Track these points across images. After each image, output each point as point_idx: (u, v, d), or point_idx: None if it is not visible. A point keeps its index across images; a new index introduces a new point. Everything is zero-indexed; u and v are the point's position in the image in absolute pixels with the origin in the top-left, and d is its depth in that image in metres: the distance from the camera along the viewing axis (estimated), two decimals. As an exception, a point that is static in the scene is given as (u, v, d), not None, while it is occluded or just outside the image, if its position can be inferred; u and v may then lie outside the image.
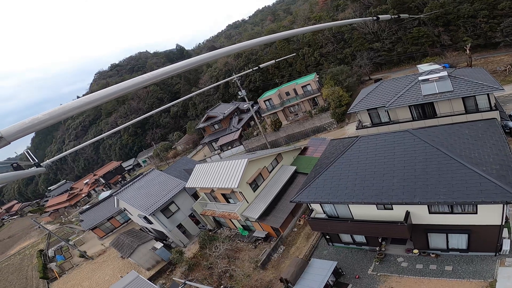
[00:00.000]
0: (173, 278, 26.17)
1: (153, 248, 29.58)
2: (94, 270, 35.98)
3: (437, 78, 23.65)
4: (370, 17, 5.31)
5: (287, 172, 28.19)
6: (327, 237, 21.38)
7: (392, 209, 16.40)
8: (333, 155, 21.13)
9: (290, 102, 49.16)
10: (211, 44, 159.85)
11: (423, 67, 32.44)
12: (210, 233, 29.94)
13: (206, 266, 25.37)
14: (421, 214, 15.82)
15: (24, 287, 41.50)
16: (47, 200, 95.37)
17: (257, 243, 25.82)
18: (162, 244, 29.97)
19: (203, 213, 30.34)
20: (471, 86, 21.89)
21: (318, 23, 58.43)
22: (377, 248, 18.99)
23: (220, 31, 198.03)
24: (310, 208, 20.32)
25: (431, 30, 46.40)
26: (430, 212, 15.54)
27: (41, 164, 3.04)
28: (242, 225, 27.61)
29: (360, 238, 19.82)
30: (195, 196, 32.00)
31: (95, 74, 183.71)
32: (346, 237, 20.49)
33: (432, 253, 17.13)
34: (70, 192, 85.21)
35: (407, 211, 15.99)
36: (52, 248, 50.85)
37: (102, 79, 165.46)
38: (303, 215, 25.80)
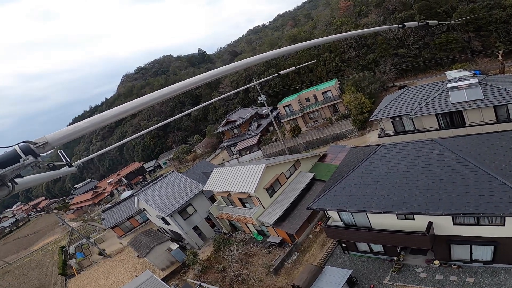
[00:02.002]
0: (188, 280, 26.44)
1: (169, 249, 30.04)
2: (111, 268, 36.70)
3: (467, 85, 22.60)
4: (395, 25, 5.22)
5: (305, 179, 27.90)
6: (343, 245, 21.05)
7: (413, 219, 15.98)
8: (353, 163, 20.73)
9: (310, 108, 48.61)
10: (232, 49, 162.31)
11: (451, 73, 31.16)
12: (225, 236, 30.09)
13: (219, 269, 25.52)
14: (444, 225, 15.27)
15: (42, 284, 42.46)
16: (73, 198, 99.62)
17: (271, 249, 25.71)
18: (178, 245, 30.41)
19: (219, 217, 30.59)
20: (503, 94, 20.73)
21: (340, 29, 57.73)
22: (395, 258, 18.49)
23: (241, 35, 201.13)
24: (327, 215, 20.05)
25: (460, 36, 44.50)
26: (454, 223, 14.99)
27: (73, 164, 3.24)
28: (257, 230, 27.60)
29: (377, 247, 19.35)
30: (212, 199, 32.33)
31: (122, 77, 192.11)
32: (363, 246, 20.06)
33: (454, 264, 16.46)
34: (95, 190, 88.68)
35: (429, 221, 15.49)
36: (73, 245, 52.34)
37: (129, 81, 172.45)
38: (319, 222, 25.40)
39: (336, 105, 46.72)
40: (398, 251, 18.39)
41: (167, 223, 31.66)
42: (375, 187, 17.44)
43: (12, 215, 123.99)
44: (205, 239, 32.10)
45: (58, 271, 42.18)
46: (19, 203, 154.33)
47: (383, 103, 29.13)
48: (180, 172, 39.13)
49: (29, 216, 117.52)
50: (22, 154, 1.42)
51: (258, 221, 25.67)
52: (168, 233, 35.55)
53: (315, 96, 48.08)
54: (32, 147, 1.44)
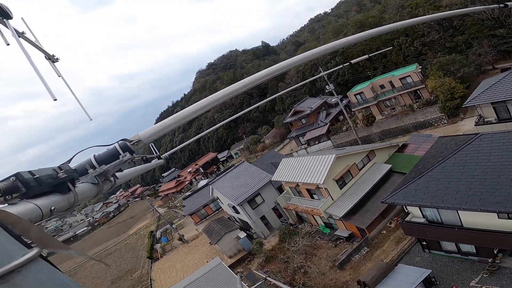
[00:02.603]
0: (253, 270, 27.29)
1: (237, 237, 31.38)
2: (187, 253, 39.50)
3: None
4: (494, 5, 4.21)
5: (380, 171, 25.87)
6: (424, 243, 19.12)
7: (521, 219, 13.33)
8: (441, 154, 18.36)
9: (386, 96, 44.52)
10: (295, 39, 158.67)
11: None
12: (291, 227, 30.19)
13: (283, 260, 25.79)
14: None
15: (134, 266, 47.83)
16: (161, 185, 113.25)
17: (338, 242, 24.93)
18: (246, 234, 31.58)
19: (286, 207, 30.80)
20: None
21: (416, 11, 50.42)
22: (490, 260, 16.04)
23: (303, 25, 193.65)
24: (406, 210, 18.49)
25: None
26: None
27: (161, 157, 3.64)
28: (324, 222, 26.98)
29: (467, 247, 17.12)
30: (280, 189, 32.62)
31: (196, 73, 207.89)
32: (448, 245, 17.92)
33: None
34: (177, 179, 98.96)
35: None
36: (160, 230, 57.34)
37: (202, 77, 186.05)
38: (396, 218, 23.29)
39: (418, 91, 41.66)
40: (495, 252, 15.93)
41: (237, 212, 33.23)
42: (471, 182, 15.13)
43: (116, 201, 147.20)
44: (272, 229, 32.66)
45: (146, 255, 46.69)
46: (121, 189, 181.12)
47: (481, 87, 25.00)
48: (250, 162, 40.57)
49: (128, 202, 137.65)
50: (121, 151, 1.66)
51: (326, 213, 25.02)
52: (237, 222, 37.32)
53: (391, 82, 43.80)
54: (129, 144, 1.67)
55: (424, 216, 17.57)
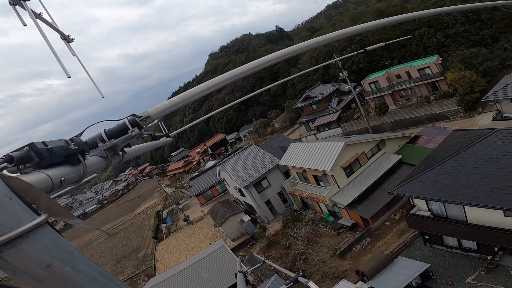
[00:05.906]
0: (254, 254, 27.83)
1: (241, 220, 31.50)
2: (191, 234, 39.71)
3: None
4: None
5: (389, 161, 25.61)
6: (426, 237, 19.18)
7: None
8: (454, 147, 17.98)
9: (401, 86, 43.45)
10: (310, 25, 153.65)
11: None
12: (295, 213, 30.27)
13: (285, 246, 26.11)
14: None
15: (139, 246, 47.85)
16: (169, 165, 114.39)
17: (340, 231, 25.08)
18: (250, 218, 31.75)
19: (292, 193, 30.93)
20: None
21: (442, 2, 47.84)
22: (489, 257, 16.03)
23: (320, 11, 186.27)
24: (412, 203, 18.44)
25: None
26: None
27: (170, 135, 3.69)
28: (328, 210, 27.07)
29: (469, 244, 17.14)
30: (287, 174, 32.54)
31: (208, 56, 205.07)
32: (450, 240, 17.96)
33: None
34: (186, 159, 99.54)
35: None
36: (166, 210, 57.18)
37: (214, 59, 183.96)
38: (401, 210, 23.24)
39: (436, 83, 40.43)
40: (496, 250, 15.91)
41: (243, 195, 33.28)
42: (481, 177, 14.87)
43: (125, 179, 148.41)
44: (276, 214, 32.71)
45: (152, 235, 46.82)
46: (130, 167, 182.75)
47: (502, 82, 24.23)
48: (258, 145, 40.45)
49: (137, 181, 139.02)
50: (129, 126, 1.71)
51: (331, 201, 25.10)
52: (243, 205, 37.31)
53: (408, 73, 42.67)
54: (137, 120, 1.71)
55: (429, 210, 17.47)
